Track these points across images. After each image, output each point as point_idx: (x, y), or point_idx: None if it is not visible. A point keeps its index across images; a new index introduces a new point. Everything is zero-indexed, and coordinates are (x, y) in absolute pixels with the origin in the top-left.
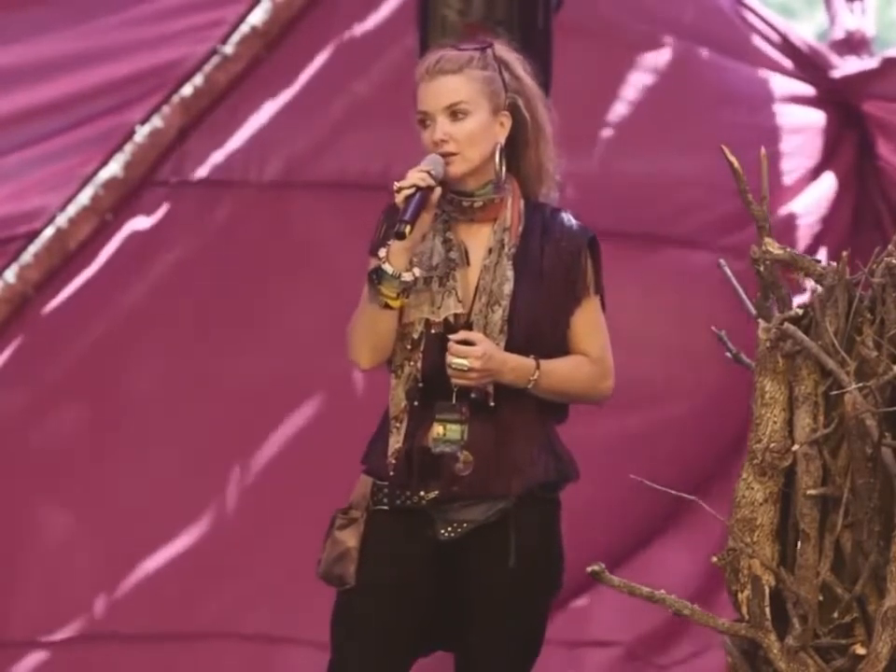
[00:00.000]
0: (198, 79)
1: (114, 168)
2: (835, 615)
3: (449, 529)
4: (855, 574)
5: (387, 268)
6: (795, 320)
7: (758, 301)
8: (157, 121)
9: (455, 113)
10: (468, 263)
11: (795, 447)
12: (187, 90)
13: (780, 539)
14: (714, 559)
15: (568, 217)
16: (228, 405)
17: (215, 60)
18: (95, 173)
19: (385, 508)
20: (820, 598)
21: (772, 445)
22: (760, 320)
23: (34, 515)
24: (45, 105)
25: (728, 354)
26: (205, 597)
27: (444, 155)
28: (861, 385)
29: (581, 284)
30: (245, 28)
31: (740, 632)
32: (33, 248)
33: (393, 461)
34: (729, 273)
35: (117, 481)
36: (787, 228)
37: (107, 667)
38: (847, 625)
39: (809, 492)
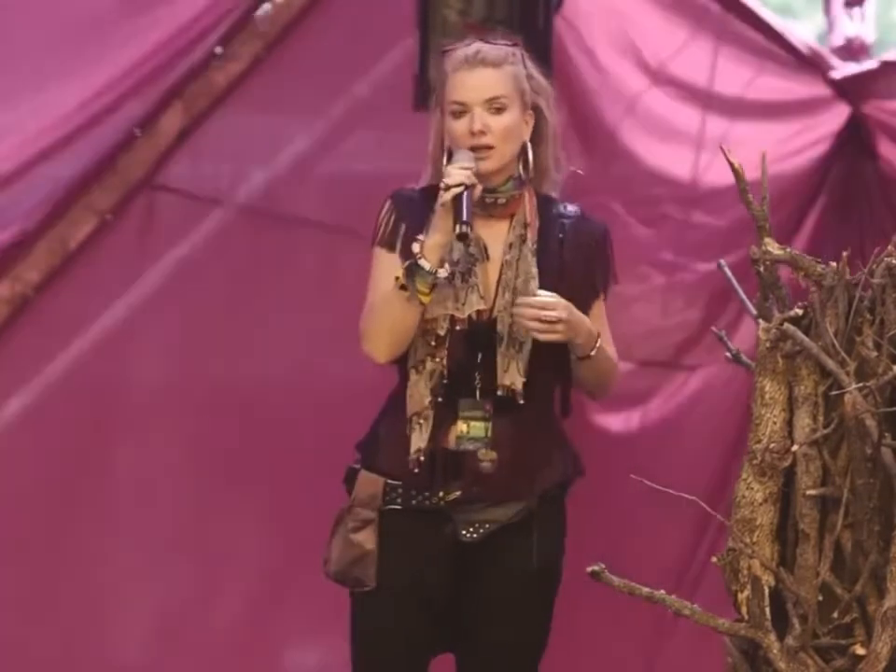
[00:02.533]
0: (198, 79)
1: (114, 168)
2: (835, 615)
3: (471, 530)
4: (855, 574)
5: (424, 263)
6: (795, 320)
7: (758, 301)
8: (157, 121)
9: (494, 107)
10: (487, 259)
11: (795, 447)
12: (187, 90)
13: (780, 539)
14: (714, 559)
15: (583, 211)
16: (229, 405)
17: (215, 60)
18: (95, 173)
19: (399, 507)
20: (820, 598)
21: (772, 445)
22: (760, 320)
23: (33, 515)
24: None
25: (728, 353)
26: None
27: (480, 148)
28: (860, 385)
29: (600, 277)
30: (245, 28)
31: (740, 632)
32: (33, 248)
33: (420, 459)
34: (729, 273)
35: (117, 481)
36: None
37: None
38: (847, 625)
39: (809, 492)
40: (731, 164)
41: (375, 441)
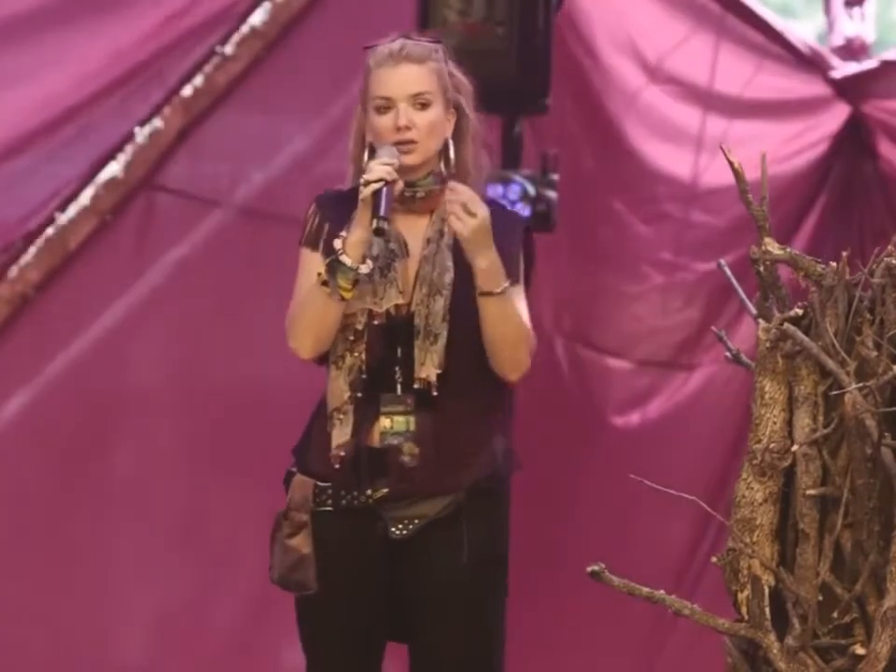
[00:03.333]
0: (198, 80)
1: (114, 168)
2: (835, 615)
3: (400, 527)
4: (855, 574)
5: (346, 259)
6: (795, 320)
7: (758, 301)
8: (157, 122)
9: (419, 102)
10: (407, 254)
11: (795, 447)
12: (187, 90)
13: (780, 538)
14: (714, 559)
15: (502, 208)
16: (228, 405)
17: (215, 60)
18: (95, 173)
19: (330, 509)
20: (820, 598)
21: (772, 445)
22: (760, 320)
23: (33, 515)
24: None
25: (727, 354)
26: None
27: (404, 143)
28: (861, 385)
29: (512, 267)
30: (244, 28)
31: (740, 632)
32: (33, 248)
33: (341, 454)
34: (729, 273)
35: (116, 481)
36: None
37: None
38: (847, 625)
39: (809, 492)
40: (731, 164)
41: (307, 442)
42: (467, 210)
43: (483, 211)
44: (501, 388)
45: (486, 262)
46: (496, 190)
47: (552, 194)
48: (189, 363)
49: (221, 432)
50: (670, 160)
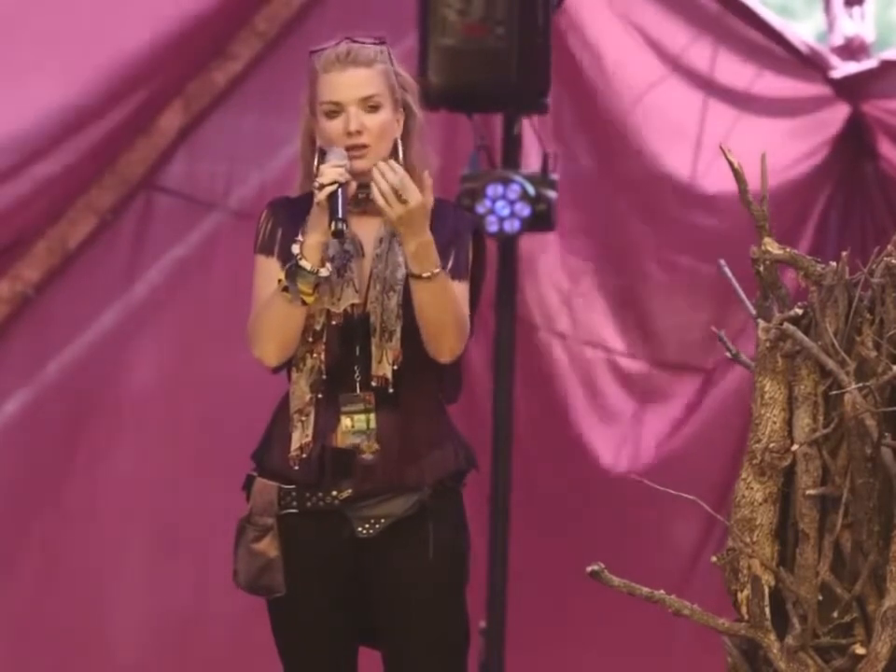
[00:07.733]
0: (198, 79)
1: (114, 168)
2: (835, 615)
3: (367, 526)
4: (855, 574)
5: (305, 264)
6: (795, 320)
7: (758, 301)
8: (157, 121)
9: (369, 105)
10: (362, 254)
11: (795, 447)
12: (187, 89)
13: (780, 538)
14: (714, 559)
15: (454, 206)
16: (228, 406)
17: (215, 60)
18: (96, 173)
19: (295, 511)
20: (820, 598)
21: (771, 445)
22: (760, 320)
23: (32, 515)
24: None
25: (728, 354)
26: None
27: (356, 147)
28: (860, 385)
29: (461, 262)
30: (245, 28)
31: (740, 632)
32: (33, 248)
33: (302, 455)
34: (729, 273)
35: (116, 481)
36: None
37: None
38: (847, 625)
39: (809, 492)
40: (731, 164)
41: (268, 446)
42: (398, 196)
43: (414, 199)
44: (458, 383)
45: (414, 245)
46: (496, 190)
47: (552, 194)
48: (189, 362)
49: (221, 431)
50: (676, 158)
